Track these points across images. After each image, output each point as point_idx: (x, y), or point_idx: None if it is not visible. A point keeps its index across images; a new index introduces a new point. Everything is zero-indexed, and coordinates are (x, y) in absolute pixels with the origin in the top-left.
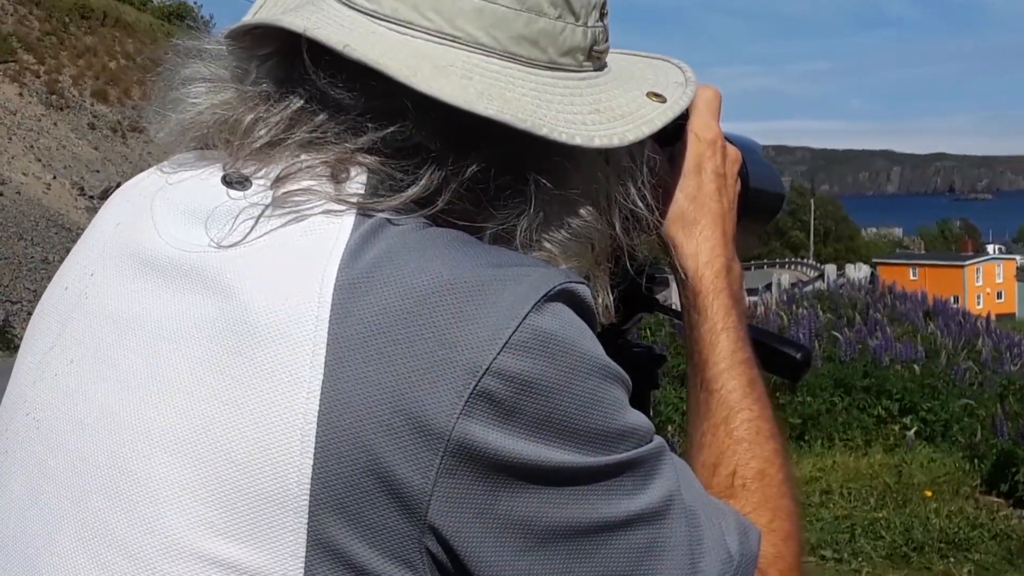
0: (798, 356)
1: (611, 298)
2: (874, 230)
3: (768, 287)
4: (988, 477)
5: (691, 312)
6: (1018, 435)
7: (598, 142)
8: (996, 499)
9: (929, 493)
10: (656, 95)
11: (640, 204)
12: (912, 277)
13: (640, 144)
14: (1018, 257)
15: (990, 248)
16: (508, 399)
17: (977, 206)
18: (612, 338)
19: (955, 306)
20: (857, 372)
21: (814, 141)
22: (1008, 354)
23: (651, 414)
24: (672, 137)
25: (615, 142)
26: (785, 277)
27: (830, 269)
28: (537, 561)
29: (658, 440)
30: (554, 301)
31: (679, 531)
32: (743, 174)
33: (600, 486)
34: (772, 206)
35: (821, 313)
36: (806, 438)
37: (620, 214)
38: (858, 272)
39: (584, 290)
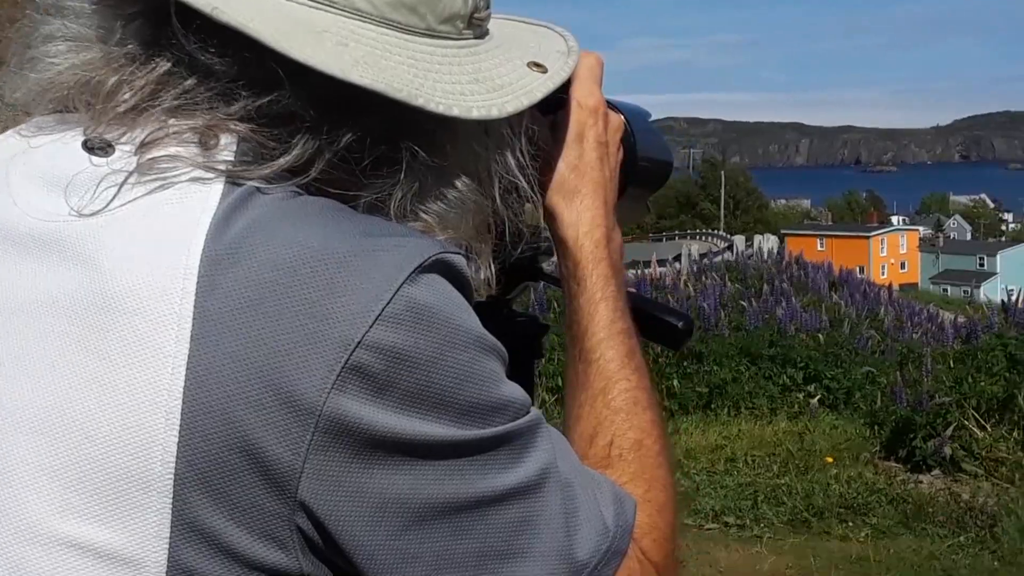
0: (679, 324)
1: (492, 270)
2: (783, 201)
3: (677, 258)
4: (887, 443)
5: (570, 282)
6: (916, 402)
7: (476, 113)
8: (895, 464)
9: (830, 459)
10: (537, 65)
11: (519, 175)
12: (819, 248)
13: (520, 115)
14: (921, 228)
15: (895, 219)
16: (381, 373)
17: (882, 178)
18: (496, 308)
19: (860, 276)
20: (763, 341)
21: (726, 113)
22: (909, 323)
23: (535, 384)
24: (554, 105)
25: (494, 113)
26: (694, 248)
27: (739, 240)
28: (413, 539)
29: (534, 413)
30: (429, 272)
31: (555, 504)
32: (629, 142)
33: (476, 460)
34: (660, 174)
35: (729, 283)
36: (713, 407)
37: (499, 185)
38: (767, 243)
39: (460, 261)
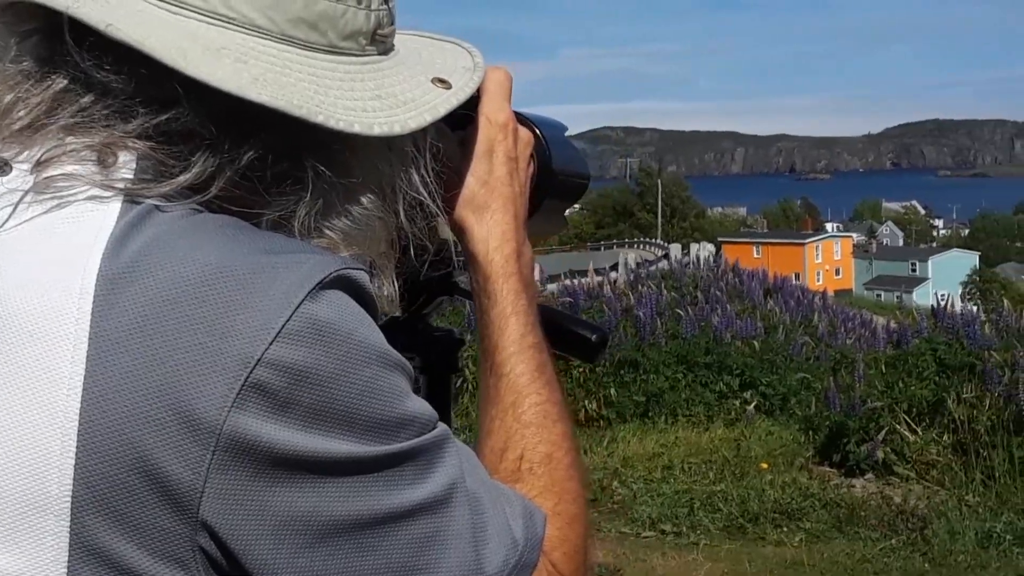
0: (593, 337)
1: (396, 286)
2: (720, 209)
3: (615, 267)
4: (822, 448)
5: (481, 296)
6: (849, 407)
7: (378, 130)
8: (829, 469)
9: (765, 465)
10: (442, 81)
11: (424, 192)
12: (756, 255)
13: (424, 131)
14: (855, 235)
15: (829, 226)
16: (282, 390)
17: (817, 186)
18: (413, 323)
19: (795, 283)
20: (699, 349)
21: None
22: (843, 329)
23: (451, 398)
24: (463, 121)
25: (396, 130)
26: (631, 256)
27: (676, 248)
28: (318, 557)
29: (441, 428)
30: (330, 288)
31: (462, 519)
32: (545, 156)
33: (381, 476)
34: (576, 187)
35: (665, 292)
36: (650, 415)
37: (404, 202)
38: (703, 251)
39: (363, 277)
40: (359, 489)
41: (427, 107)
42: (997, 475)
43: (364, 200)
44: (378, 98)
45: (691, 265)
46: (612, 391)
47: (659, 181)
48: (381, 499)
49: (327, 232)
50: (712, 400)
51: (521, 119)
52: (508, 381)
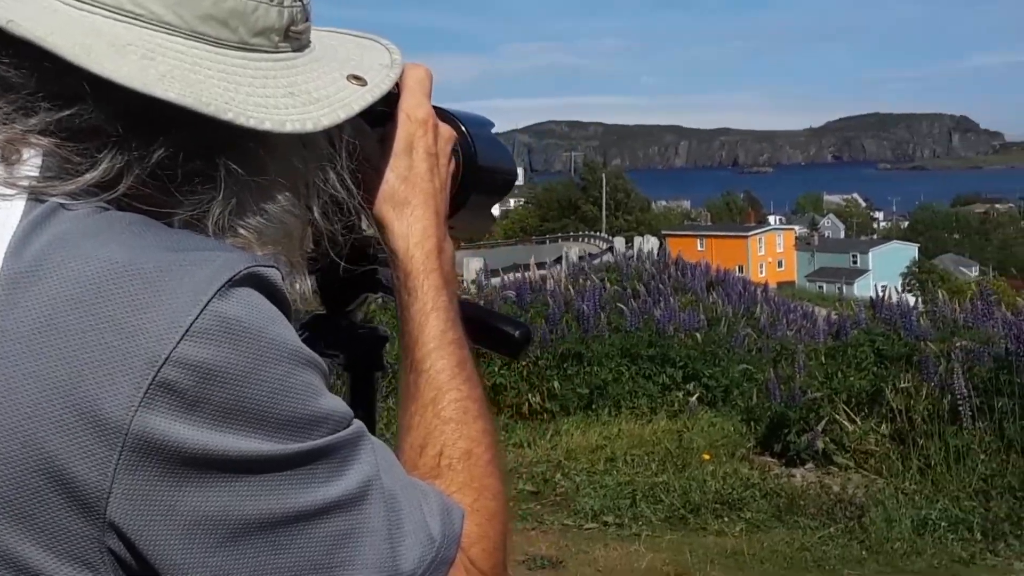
0: (516, 334)
1: (308, 283)
2: (664, 203)
3: (558, 260)
4: (763, 439)
5: (402, 292)
6: (789, 398)
7: (290, 127)
8: (769, 459)
9: (707, 456)
10: (357, 78)
11: (341, 189)
12: (699, 248)
13: (339, 128)
14: (797, 227)
15: (771, 219)
16: (191, 389)
17: (759, 179)
18: (336, 320)
19: (738, 275)
20: (642, 341)
21: (606, 116)
22: (784, 320)
23: (376, 396)
24: (382, 118)
25: (308, 127)
26: (575, 250)
27: (619, 242)
28: (229, 556)
29: (356, 425)
30: (240, 286)
31: (378, 516)
32: (470, 152)
33: (294, 474)
34: (502, 183)
35: (608, 285)
36: (593, 407)
37: (319, 199)
38: (647, 244)
39: (274, 274)
40: (271, 488)
41: (341, 104)
42: (933, 463)
43: (279, 198)
44: (291, 95)
45: (635, 258)
46: (556, 384)
47: (603, 175)
48: (294, 497)
49: (241, 231)
50: (655, 392)
51: (445, 115)
52: (428, 377)
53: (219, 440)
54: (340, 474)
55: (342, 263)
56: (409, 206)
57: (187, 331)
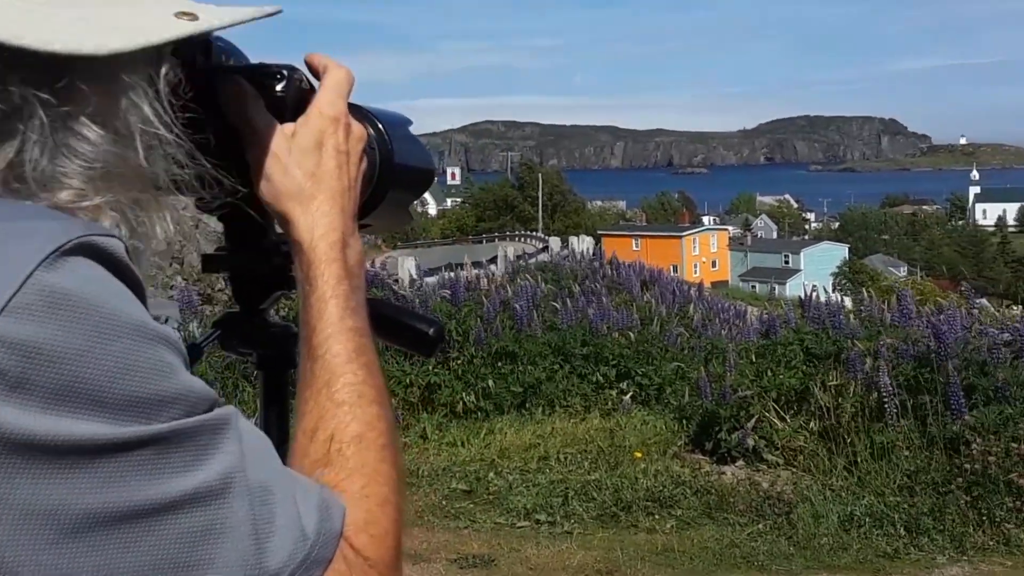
0: (430, 331)
1: (169, 225)
2: (599, 203)
3: (493, 260)
4: (694, 437)
5: (304, 284)
6: (720, 396)
7: (80, 47)
8: (701, 457)
9: (639, 454)
10: (187, 14)
11: (160, 126)
12: (635, 248)
13: (156, 61)
14: (731, 228)
15: (706, 219)
16: (13, 369)
17: (694, 179)
18: (250, 317)
19: (673, 275)
20: (576, 340)
21: (542, 116)
22: (717, 319)
23: (288, 393)
24: (296, 110)
25: (88, 48)
26: (510, 249)
27: (555, 241)
28: (67, 554)
29: (221, 412)
30: (72, 255)
31: (241, 511)
32: (387, 149)
33: (142, 461)
34: (419, 180)
35: (542, 284)
36: (528, 406)
37: (141, 138)
38: (581, 244)
39: (113, 244)
40: (115, 476)
41: (141, 31)
42: (859, 460)
43: (91, 135)
44: (84, 20)
45: (570, 257)
46: (490, 383)
47: (540, 175)
48: (142, 488)
49: (65, 179)
50: (589, 391)
51: (362, 113)
52: (323, 362)
53: (51, 425)
54: (198, 463)
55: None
56: (315, 201)
57: (4, 307)
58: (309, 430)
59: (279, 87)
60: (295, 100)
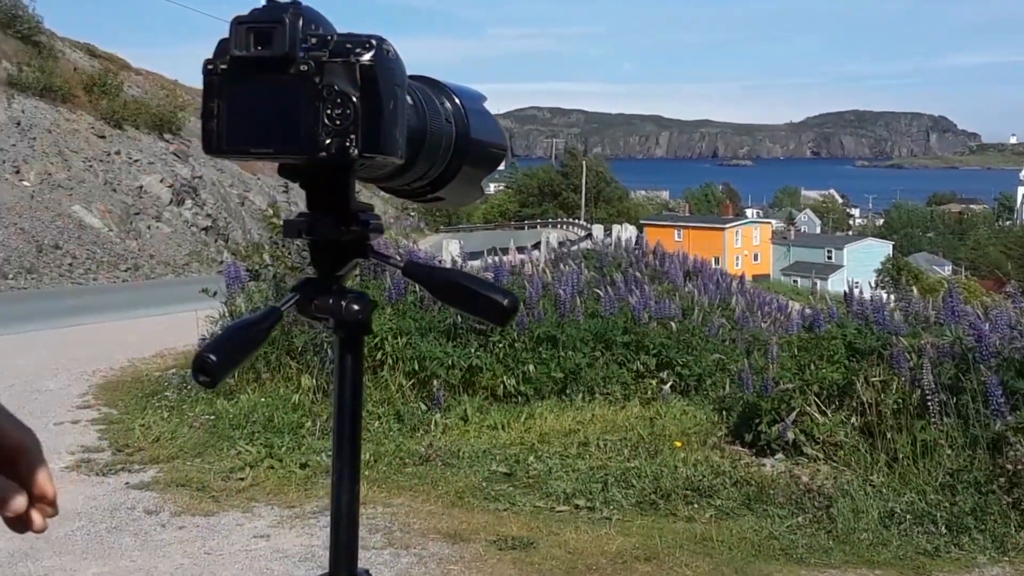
0: (505, 302)
1: None
2: (643, 192)
3: (536, 245)
4: (734, 428)
5: None
6: (762, 388)
7: None
8: (740, 448)
9: (679, 444)
10: None
11: None
12: (677, 238)
13: None
14: (774, 221)
15: (749, 212)
16: None
17: (738, 171)
18: (327, 283)
19: (715, 266)
20: (617, 328)
21: (588, 104)
22: (759, 312)
23: (362, 359)
24: (384, 80)
25: None
26: (554, 236)
27: (598, 229)
28: None
29: None
30: None
31: None
32: (464, 124)
33: None
34: (492, 157)
35: (586, 271)
36: (567, 392)
37: None
38: (625, 232)
39: None
40: None
41: None
42: (900, 457)
43: None
44: None
45: (613, 246)
46: (531, 368)
47: (584, 162)
48: None
49: None
50: (629, 379)
51: (440, 87)
52: None
53: None
54: None
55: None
56: None
57: None
58: None
59: (367, 57)
60: (383, 71)
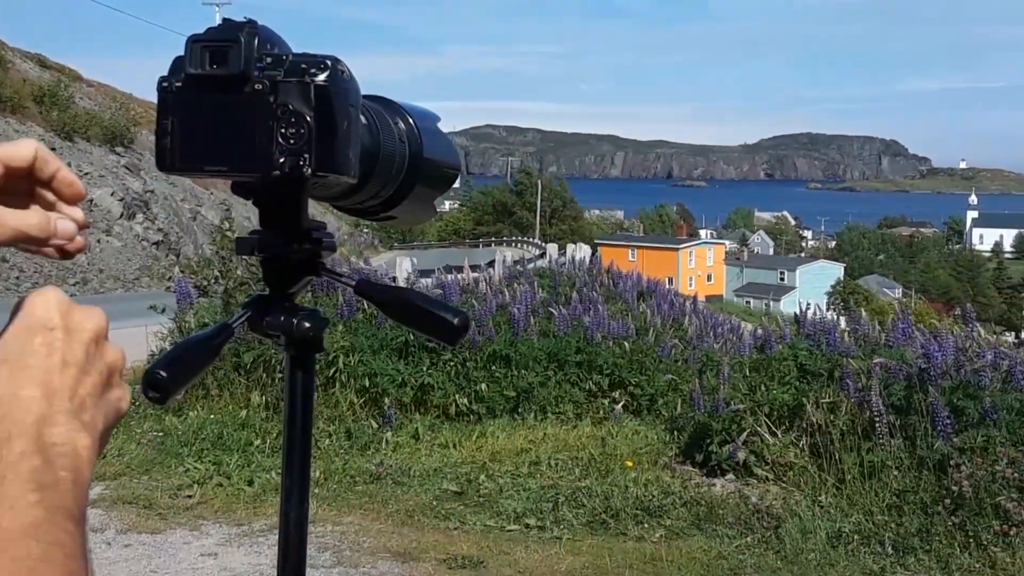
0: (455, 320)
1: None
2: (597, 212)
3: (491, 264)
4: (685, 448)
5: None
6: (713, 408)
7: None
8: (691, 469)
9: (630, 463)
10: None
11: None
12: (631, 258)
13: None
14: (728, 242)
15: (703, 233)
16: None
17: (693, 192)
18: (279, 300)
19: (668, 287)
20: (570, 347)
21: (544, 123)
22: (712, 332)
23: (314, 376)
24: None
25: None
26: (508, 255)
27: (553, 248)
28: None
29: None
30: None
31: None
32: (416, 143)
33: None
34: (446, 176)
35: (540, 290)
36: (520, 410)
37: None
38: (579, 252)
39: None
40: None
41: None
42: (849, 478)
43: None
44: None
45: (567, 265)
46: (483, 386)
47: (539, 181)
48: None
49: None
50: (581, 398)
51: (394, 108)
52: None
53: None
54: None
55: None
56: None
57: None
58: None
59: (322, 77)
60: (337, 91)
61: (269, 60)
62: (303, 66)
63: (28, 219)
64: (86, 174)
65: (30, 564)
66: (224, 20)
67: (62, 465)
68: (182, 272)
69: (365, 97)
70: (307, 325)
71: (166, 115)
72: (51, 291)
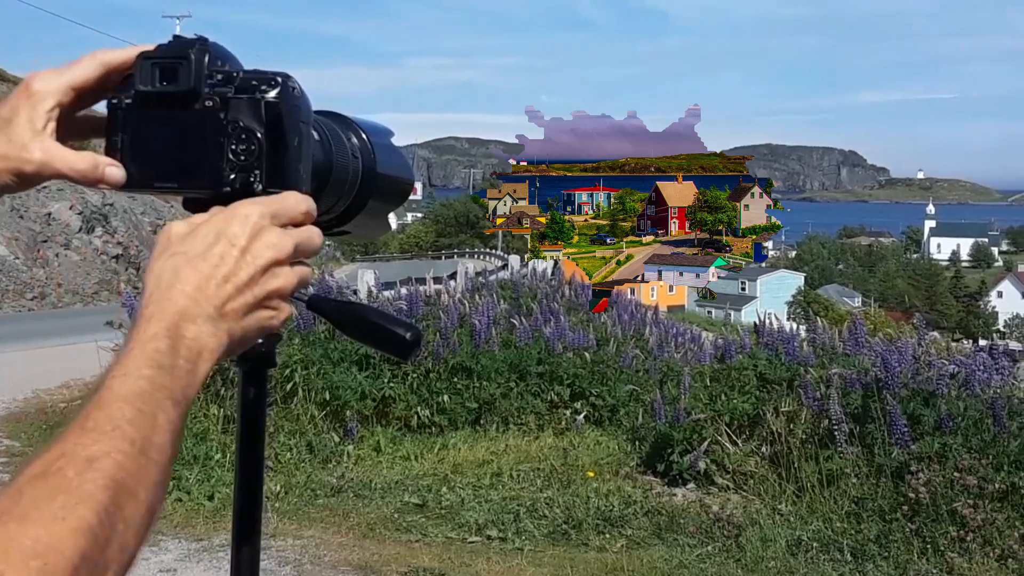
0: (407, 335)
1: None
2: None
3: (453, 276)
4: (647, 458)
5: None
6: (674, 418)
7: None
8: (653, 478)
9: (592, 474)
10: None
11: None
12: None
13: None
14: None
15: None
16: None
17: None
18: None
19: (630, 297)
20: (532, 358)
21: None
22: (672, 342)
23: (265, 390)
24: (288, 117)
25: None
26: (471, 266)
27: (515, 260)
28: None
29: None
30: None
31: None
32: (370, 158)
33: None
34: (399, 190)
35: (502, 301)
36: (482, 422)
37: None
38: (541, 263)
39: None
40: None
41: None
42: (808, 486)
43: None
44: None
45: (529, 276)
46: (445, 398)
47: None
48: None
49: None
50: (543, 409)
51: (347, 123)
52: (97, 396)
53: None
54: None
55: None
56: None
57: None
58: (54, 448)
59: (272, 94)
60: (288, 107)
61: (219, 77)
62: (253, 83)
63: (77, 165)
64: (44, 187)
65: (118, 422)
66: (175, 37)
67: (185, 356)
68: (135, 289)
69: (318, 112)
70: (259, 340)
71: (116, 131)
72: (256, 210)
